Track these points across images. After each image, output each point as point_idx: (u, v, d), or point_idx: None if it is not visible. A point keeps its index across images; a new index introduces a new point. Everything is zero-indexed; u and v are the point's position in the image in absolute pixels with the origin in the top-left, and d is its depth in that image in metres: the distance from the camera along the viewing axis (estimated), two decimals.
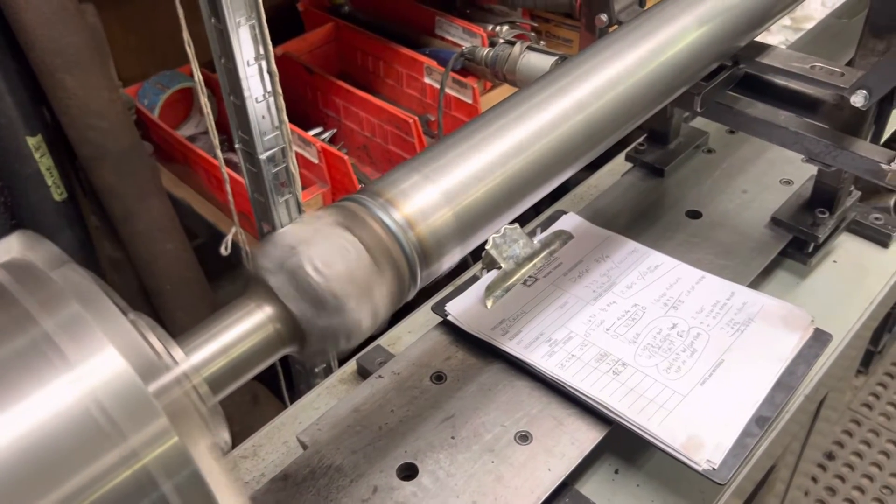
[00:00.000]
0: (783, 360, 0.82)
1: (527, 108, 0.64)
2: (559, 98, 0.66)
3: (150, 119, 1.29)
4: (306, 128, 1.34)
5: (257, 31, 0.82)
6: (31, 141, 1.06)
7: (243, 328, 0.50)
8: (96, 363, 0.39)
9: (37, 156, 1.07)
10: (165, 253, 1.14)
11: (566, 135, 0.65)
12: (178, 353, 0.45)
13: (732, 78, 0.92)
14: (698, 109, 0.87)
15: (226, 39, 0.80)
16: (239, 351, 0.49)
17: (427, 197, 0.57)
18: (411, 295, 0.57)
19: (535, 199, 0.65)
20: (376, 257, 0.53)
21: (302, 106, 1.38)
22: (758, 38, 0.89)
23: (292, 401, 1.18)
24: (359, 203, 0.55)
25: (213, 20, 0.80)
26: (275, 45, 1.43)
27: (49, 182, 1.09)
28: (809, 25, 1.93)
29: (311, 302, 0.50)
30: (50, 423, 0.38)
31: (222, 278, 1.40)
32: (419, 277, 0.56)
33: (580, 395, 0.79)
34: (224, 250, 1.03)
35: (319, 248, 0.51)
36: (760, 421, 0.77)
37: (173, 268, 1.16)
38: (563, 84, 0.68)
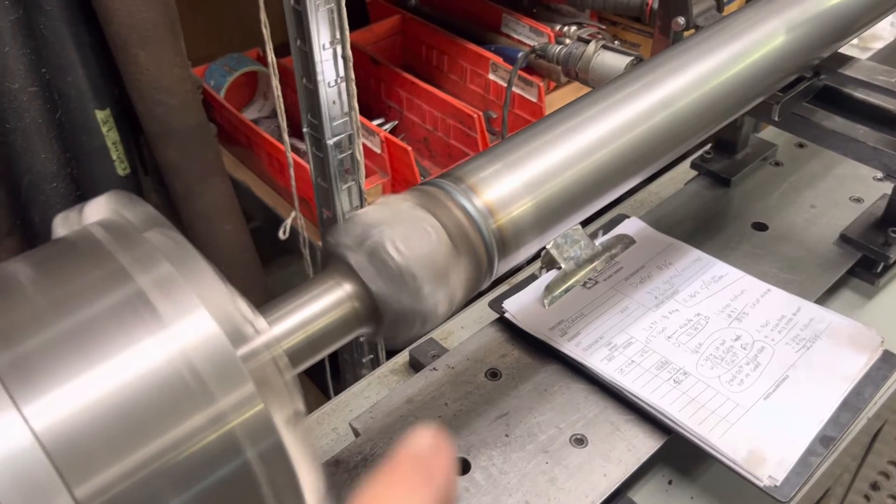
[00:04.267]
0: (850, 379, 0.80)
1: (609, 103, 0.63)
2: (642, 95, 0.65)
3: (216, 100, 1.30)
4: (368, 118, 1.34)
5: (335, 15, 0.82)
6: (100, 114, 1.07)
7: (323, 304, 0.49)
8: (189, 323, 0.39)
9: (104, 129, 1.08)
10: (223, 234, 1.14)
11: (647, 133, 0.64)
12: (261, 322, 0.44)
13: (811, 89, 0.90)
14: (776, 119, 0.85)
15: (304, 21, 0.80)
16: (318, 326, 0.49)
17: (509, 186, 0.56)
18: (487, 283, 0.56)
19: (614, 195, 0.64)
20: (456, 242, 0.53)
21: (365, 96, 1.37)
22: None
23: (336, 392, 1.18)
24: (440, 188, 0.55)
25: (292, 1, 0.80)
26: None
27: (114, 156, 1.10)
28: (878, 45, 1.89)
29: (390, 281, 0.50)
30: (140, 380, 0.37)
31: (273, 264, 1.41)
32: (496, 266, 0.56)
33: (639, 401, 0.78)
34: (282, 234, 1.03)
35: (400, 229, 0.50)
36: (825, 440, 0.74)
37: (230, 249, 1.17)
38: (646, 82, 0.67)
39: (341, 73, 0.85)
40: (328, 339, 0.50)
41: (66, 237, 0.42)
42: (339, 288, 0.50)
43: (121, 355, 0.37)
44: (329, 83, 0.85)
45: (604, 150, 0.60)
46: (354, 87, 0.86)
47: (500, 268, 0.57)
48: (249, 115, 1.39)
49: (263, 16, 0.84)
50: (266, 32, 0.86)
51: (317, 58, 0.82)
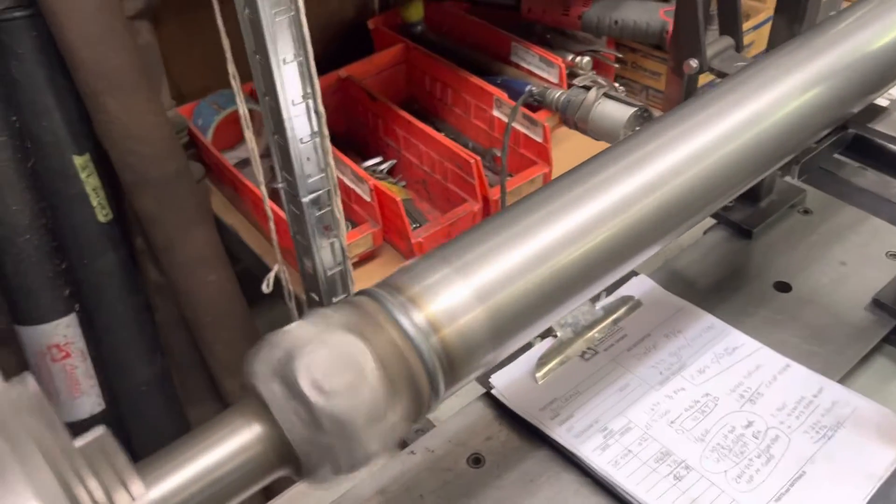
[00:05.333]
0: (875, 478, 0.70)
1: (586, 188, 0.55)
2: (631, 174, 0.57)
3: (201, 141, 1.25)
4: (366, 156, 1.27)
5: (305, 68, 0.75)
6: (79, 160, 1.02)
7: (225, 450, 0.43)
8: None
9: (83, 175, 1.03)
10: (207, 285, 1.09)
11: (633, 220, 0.56)
12: (136, 487, 0.38)
13: (840, 142, 0.80)
14: (795, 179, 0.76)
15: (268, 77, 0.74)
16: (216, 476, 0.42)
17: (456, 294, 0.49)
18: (433, 409, 0.49)
19: (593, 292, 0.56)
20: (388, 369, 0.45)
21: (363, 133, 1.31)
22: None
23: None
24: (376, 300, 0.48)
25: (257, 56, 0.74)
26: (342, 64, 1.39)
27: (94, 202, 1.05)
28: None
29: (306, 421, 0.43)
30: None
31: (262, 304, 1.35)
32: (441, 390, 0.48)
33: (633, 500, 0.70)
34: (266, 287, 0.97)
35: (321, 357, 0.43)
36: None
37: (215, 300, 1.11)
38: (636, 157, 0.58)
39: (315, 128, 0.79)
40: (232, 490, 0.43)
41: None
42: (246, 428, 0.43)
43: None
44: (301, 139, 0.79)
45: (574, 247, 0.52)
46: (329, 143, 0.79)
47: (450, 388, 0.49)
48: (241, 153, 1.33)
49: (232, 67, 0.78)
50: (235, 84, 0.80)
51: (285, 114, 0.76)
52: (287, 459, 0.44)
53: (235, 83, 0.79)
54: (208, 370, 1.17)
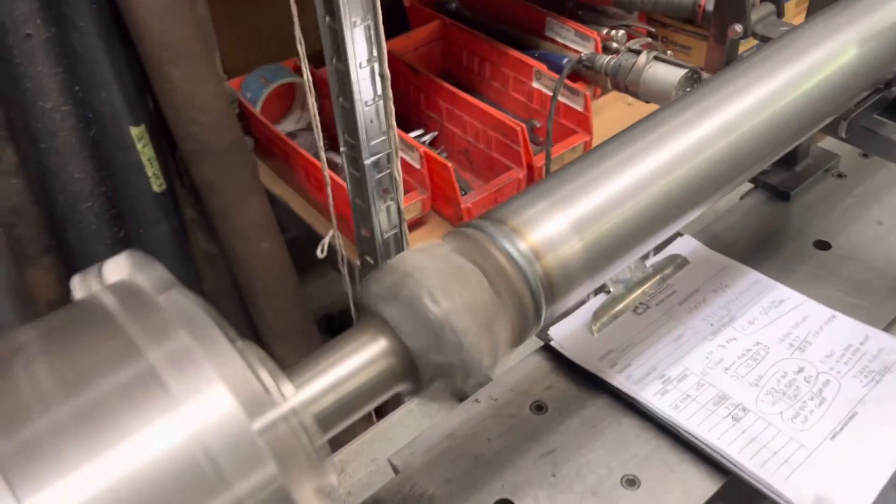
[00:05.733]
0: None
1: (664, 131, 0.58)
2: (699, 122, 0.60)
3: (251, 113, 1.28)
4: (407, 129, 1.30)
5: (372, 32, 0.78)
6: (135, 131, 1.05)
7: (355, 362, 0.46)
8: (203, 401, 0.36)
9: (139, 146, 1.06)
10: (260, 252, 1.12)
11: (708, 162, 0.59)
12: (287, 387, 0.41)
13: (882, 101, 0.83)
14: (843, 136, 0.79)
15: (339, 40, 0.77)
16: (350, 387, 0.45)
17: (555, 226, 0.52)
18: (535, 330, 0.52)
19: (671, 231, 0.59)
20: (499, 290, 0.49)
21: (404, 106, 1.34)
22: None
23: (378, 411, 1.15)
24: (480, 230, 0.51)
25: (327, 19, 0.76)
26: None
27: (149, 173, 1.08)
28: None
29: (427, 335, 0.46)
30: (150, 466, 0.34)
31: (311, 272, 1.38)
32: (544, 313, 0.51)
33: (695, 440, 0.73)
34: (320, 252, 1.00)
35: (437, 277, 0.47)
36: None
37: (267, 267, 1.14)
38: (703, 107, 0.62)
39: (379, 91, 0.82)
40: (362, 400, 0.46)
41: (76, 305, 0.39)
42: (373, 344, 0.47)
43: (130, 441, 0.34)
44: (366, 102, 0.82)
45: (659, 184, 0.56)
46: (392, 105, 0.82)
47: (550, 314, 0.53)
48: (286, 127, 1.36)
49: (298, 32, 0.81)
50: (301, 50, 0.83)
51: (353, 77, 0.79)
52: (409, 372, 0.47)
53: (301, 49, 0.82)
54: (258, 338, 1.20)
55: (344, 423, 0.46)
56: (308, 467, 0.38)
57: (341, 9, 0.73)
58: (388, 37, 1.41)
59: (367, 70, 0.80)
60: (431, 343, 0.46)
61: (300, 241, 1.24)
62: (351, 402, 0.45)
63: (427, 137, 1.33)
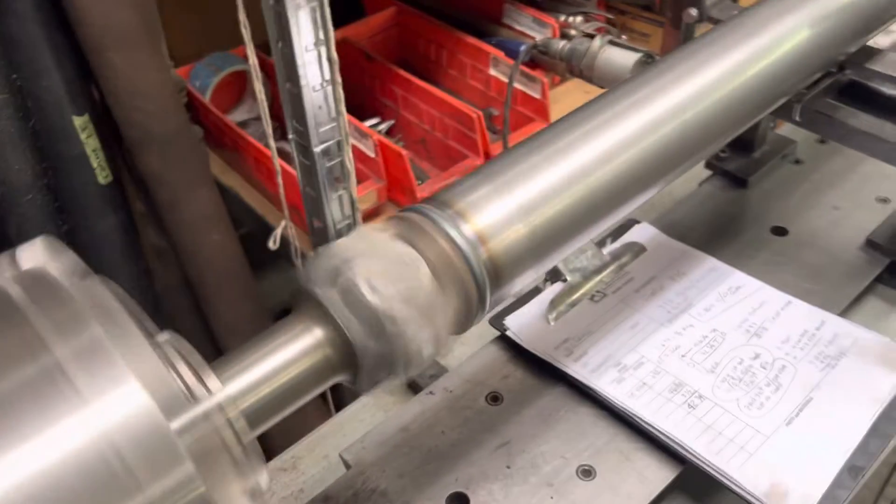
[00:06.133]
0: (880, 401, 0.73)
1: (614, 112, 0.57)
2: (651, 102, 0.59)
3: (200, 102, 1.24)
4: (363, 118, 1.28)
5: (318, 14, 0.75)
6: (78, 121, 1.02)
7: (289, 353, 0.44)
8: (113, 398, 0.33)
9: (83, 136, 1.02)
10: (210, 244, 1.09)
11: (657, 145, 0.58)
12: (213, 382, 0.39)
13: (836, 85, 0.83)
14: (797, 119, 0.79)
15: (284, 22, 0.74)
16: (283, 379, 0.43)
17: (500, 210, 0.50)
18: (480, 318, 0.51)
19: (620, 215, 0.58)
20: (441, 276, 0.47)
21: (359, 94, 1.32)
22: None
23: (336, 403, 1.12)
24: (424, 214, 0.49)
25: (271, 1, 0.74)
26: (335, 28, 1.38)
27: (94, 164, 1.04)
28: None
29: (365, 325, 0.44)
30: (57, 469, 0.32)
31: (267, 268, 1.35)
32: (488, 300, 0.50)
33: (651, 428, 0.72)
34: (272, 244, 0.97)
35: (377, 264, 0.45)
36: (854, 471, 0.68)
37: (218, 259, 1.11)
38: (655, 87, 0.61)
39: (327, 75, 0.79)
40: (297, 393, 0.44)
41: None
42: (307, 334, 0.45)
43: (34, 442, 0.32)
44: (314, 87, 0.79)
45: (608, 166, 0.54)
46: (342, 90, 0.80)
47: (495, 300, 0.51)
48: (238, 116, 1.33)
49: (242, 16, 0.78)
50: (246, 34, 0.80)
51: (299, 61, 0.76)
52: (347, 363, 0.45)
53: (246, 33, 0.79)
54: (210, 334, 1.18)
55: (277, 417, 0.44)
56: (233, 467, 0.36)
57: None
58: (343, 23, 1.40)
59: (314, 54, 0.77)
60: (370, 333, 0.44)
61: (255, 234, 1.21)
62: (285, 396, 0.43)
63: (383, 126, 1.31)
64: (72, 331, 0.34)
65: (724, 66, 0.65)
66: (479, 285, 0.48)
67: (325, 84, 0.80)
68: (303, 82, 0.78)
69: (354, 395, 0.93)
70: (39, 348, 0.33)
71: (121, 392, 0.33)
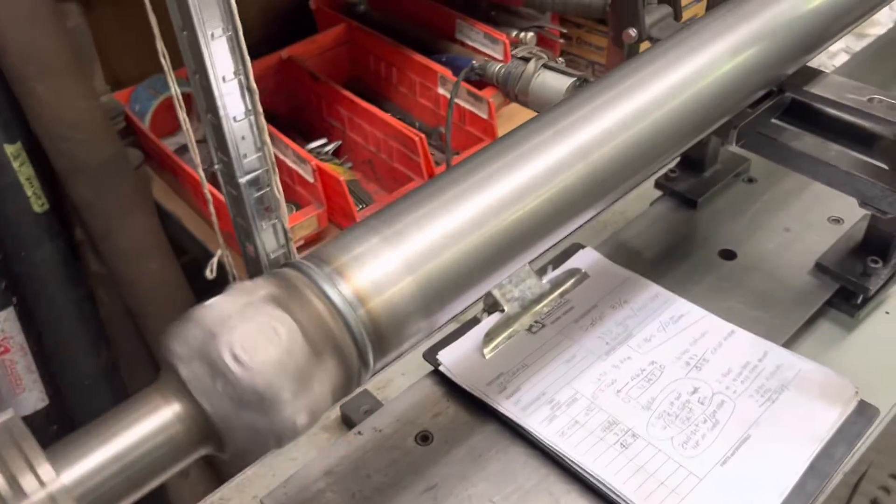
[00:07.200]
0: (819, 439, 0.71)
1: (516, 155, 0.54)
2: (559, 140, 0.56)
3: (139, 127, 1.21)
4: (310, 138, 1.25)
5: (235, 43, 0.73)
6: (10, 149, 0.99)
7: (144, 429, 0.41)
8: None
9: (15, 165, 1.00)
10: (149, 273, 1.06)
11: (566, 185, 0.55)
12: (45, 471, 0.36)
13: (777, 106, 0.80)
14: (733, 143, 0.76)
15: (197, 53, 0.72)
16: (135, 457, 0.41)
17: (386, 263, 0.48)
18: (364, 381, 0.48)
19: (525, 259, 0.55)
20: (315, 341, 0.44)
21: (307, 114, 1.29)
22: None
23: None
24: (301, 271, 0.46)
25: (184, 32, 0.71)
26: (283, 46, 1.36)
27: (29, 192, 1.02)
28: (876, 31, 1.77)
29: (229, 397, 0.41)
30: None
31: (213, 295, 1.32)
32: (371, 363, 0.47)
33: (580, 470, 0.70)
34: (209, 273, 0.95)
35: (242, 331, 0.42)
36: None
37: (158, 288, 1.09)
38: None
39: (248, 105, 0.77)
40: (152, 471, 0.41)
41: None
42: (165, 407, 0.42)
43: None
44: (235, 117, 0.77)
45: (505, 214, 0.52)
46: (264, 120, 0.77)
47: (379, 362, 0.48)
48: (181, 139, 1.30)
49: (160, 44, 0.76)
50: (166, 63, 0.77)
51: (216, 91, 0.74)
52: (209, 436, 0.43)
53: (166, 62, 0.76)
54: (155, 364, 1.15)
55: (134, 495, 0.41)
56: None
57: (195, 20, 0.68)
58: (292, 41, 1.38)
59: (233, 83, 0.75)
60: (236, 407, 0.42)
61: (198, 260, 1.18)
62: (137, 475, 0.41)
63: (330, 147, 1.28)
64: None
65: (660, 87, 0.63)
66: (359, 347, 0.46)
67: (247, 114, 0.78)
68: (222, 113, 0.76)
69: None
70: None
71: None
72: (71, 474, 0.38)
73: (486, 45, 1.26)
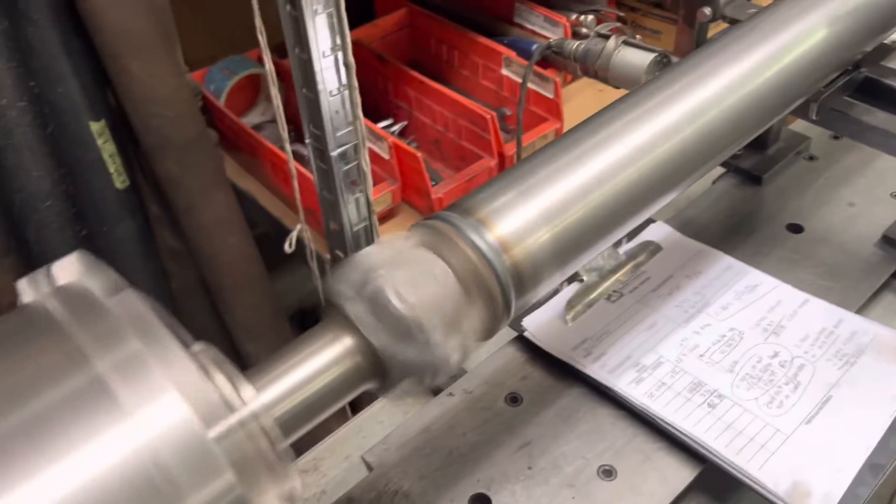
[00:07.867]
0: None
1: (633, 116, 0.57)
2: (668, 107, 0.59)
3: (215, 106, 1.25)
4: (376, 119, 1.28)
5: (335, 19, 0.76)
6: (95, 126, 1.02)
7: (319, 362, 0.44)
8: (154, 410, 0.34)
9: (99, 142, 1.03)
10: (227, 247, 1.09)
11: (676, 148, 0.58)
12: (247, 391, 0.40)
13: (851, 83, 0.83)
14: (814, 118, 0.79)
15: (301, 28, 0.75)
16: (314, 388, 0.44)
17: (523, 216, 0.51)
18: (505, 324, 0.51)
19: (641, 218, 0.58)
20: (467, 284, 0.47)
21: (372, 96, 1.32)
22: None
23: (353, 406, 1.13)
24: (447, 222, 0.49)
25: (287, 7, 0.74)
26: None
27: (111, 169, 1.05)
28: None
29: (394, 332, 0.45)
30: (99, 481, 0.33)
31: (282, 268, 1.36)
32: (513, 306, 0.50)
33: (671, 428, 0.72)
34: (288, 247, 0.98)
35: (403, 273, 0.45)
36: (875, 468, 0.69)
37: (235, 263, 1.12)
38: (673, 91, 0.61)
39: (344, 80, 0.80)
40: (327, 401, 0.45)
41: (22, 311, 0.37)
42: (337, 342, 0.45)
43: (76, 455, 0.33)
44: (331, 92, 0.79)
45: (627, 171, 0.55)
46: (358, 95, 0.80)
47: (520, 305, 0.51)
48: (252, 119, 1.33)
49: (258, 21, 0.79)
50: (262, 39, 0.80)
51: (316, 66, 0.77)
52: (376, 371, 0.46)
53: (262, 38, 0.79)
54: (227, 335, 1.19)
55: (309, 424, 0.44)
56: (269, 474, 0.37)
57: None
58: (354, 25, 1.40)
59: (330, 59, 0.78)
60: (398, 341, 0.45)
61: (269, 236, 1.22)
62: (315, 404, 0.44)
63: (396, 127, 1.31)
64: (111, 344, 0.35)
65: (742, 68, 0.65)
66: (504, 291, 0.49)
67: (341, 89, 0.81)
68: (320, 87, 0.79)
69: (371, 397, 0.93)
70: (80, 362, 0.34)
71: (161, 403, 0.34)
72: (266, 396, 0.42)
73: (545, 27, 1.29)
